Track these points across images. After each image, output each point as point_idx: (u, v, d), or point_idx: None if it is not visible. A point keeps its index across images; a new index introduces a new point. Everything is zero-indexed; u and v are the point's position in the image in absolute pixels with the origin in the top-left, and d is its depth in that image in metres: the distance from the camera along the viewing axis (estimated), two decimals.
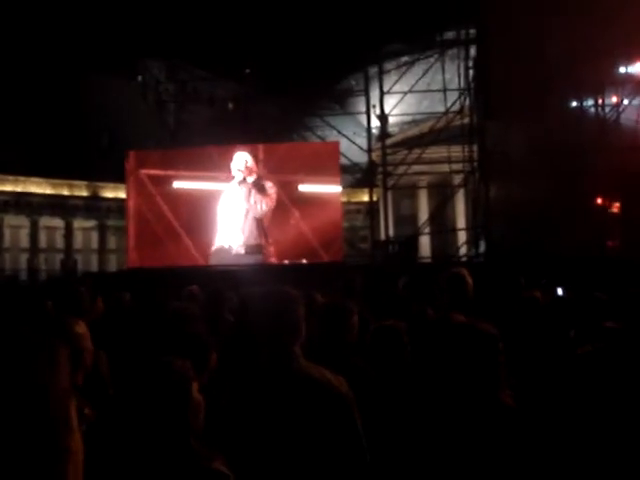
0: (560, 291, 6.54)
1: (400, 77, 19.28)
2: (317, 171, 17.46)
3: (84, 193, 21.28)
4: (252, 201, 16.87)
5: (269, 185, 17.00)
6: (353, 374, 2.58)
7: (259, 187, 16.89)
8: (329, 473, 2.17)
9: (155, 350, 2.59)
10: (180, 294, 5.33)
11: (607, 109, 16.61)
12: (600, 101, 16.75)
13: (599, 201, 15.71)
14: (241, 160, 17.09)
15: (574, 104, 16.90)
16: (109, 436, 1.94)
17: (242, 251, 16.57)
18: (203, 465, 1.83)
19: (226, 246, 16.86)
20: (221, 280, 7.56)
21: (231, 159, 17.32)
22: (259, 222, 16.96)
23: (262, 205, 16.82)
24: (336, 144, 18.49)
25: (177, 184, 17.45)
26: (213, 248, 16.96)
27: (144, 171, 17.69)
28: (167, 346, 2.70)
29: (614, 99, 16.70)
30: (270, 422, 2.17)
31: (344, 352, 3.01)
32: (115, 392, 2.95)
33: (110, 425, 2.05)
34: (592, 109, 16.83)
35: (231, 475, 1.84)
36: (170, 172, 17.57)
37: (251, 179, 16.93)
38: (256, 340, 2.33)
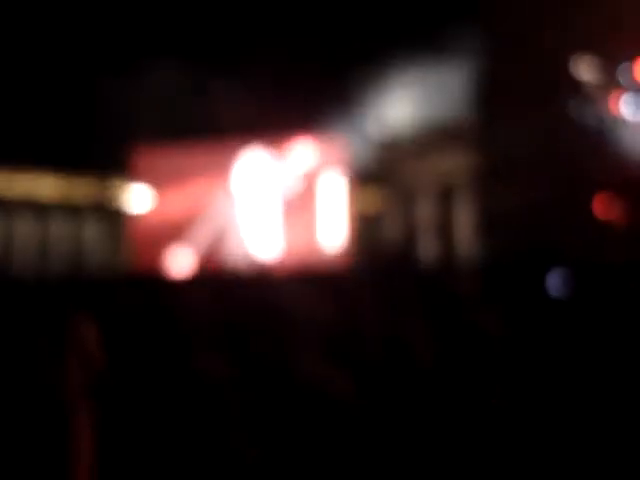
0: (556, 285, 6.38)
1: (403, 82, 19.30)
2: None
3: (95, 192, 20.98)
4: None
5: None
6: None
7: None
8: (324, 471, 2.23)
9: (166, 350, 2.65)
10: (178, 301, 5.36)
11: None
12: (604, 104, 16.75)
13: (601, 205, 15.71)
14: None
15: (578, 108, 16.91)
16: (123, 435, 1.98)
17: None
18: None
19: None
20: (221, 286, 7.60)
21: (236, 157, 17.41)
22: None
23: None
24: (337, 147, 18.54)
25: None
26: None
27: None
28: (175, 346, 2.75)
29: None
30: (268, 422, 2.22)
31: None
32: (122, 393, 3.00)
33: (122, 426, 2.09)
34: (595, 111, 16.83)
35: None
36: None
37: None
38: (250, 342, 2.40)
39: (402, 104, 19.64)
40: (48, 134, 18.15)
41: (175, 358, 2.15)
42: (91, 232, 20.64)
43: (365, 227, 20.55)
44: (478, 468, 2.23)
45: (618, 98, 16.44)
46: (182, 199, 17.50)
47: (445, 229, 20.37)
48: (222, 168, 17.64)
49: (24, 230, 19.64)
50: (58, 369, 1.04)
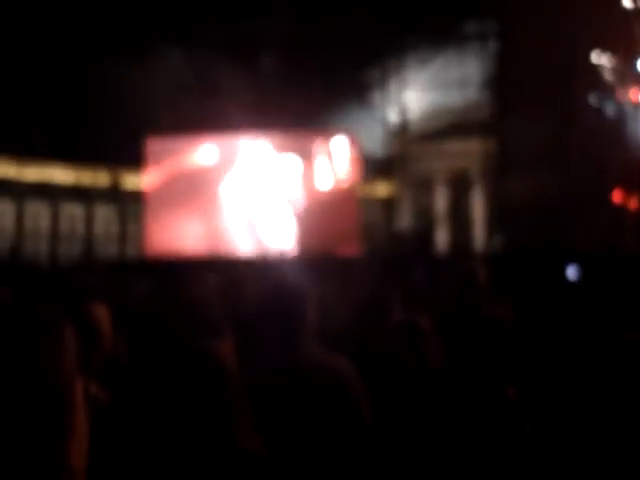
0: (571, 272, 6.22)
1: (419, 70, 19.23)
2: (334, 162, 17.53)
3: (106, 180, 21.05)
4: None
5: None
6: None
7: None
8: (333, 463, 2.20)
9: (173, 335, 2.64)
10: (197, 283, 5.36)
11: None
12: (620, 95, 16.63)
13: (617, 196, 15.63)
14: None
15: (593, 98, 16.80)
16: (129, 421, 1.97)
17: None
18: (241, 447, 1.85)
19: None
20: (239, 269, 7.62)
21: (246, 146, 17.51)
22: None
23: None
24: (353, 137, 18.51)
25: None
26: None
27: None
28: (183, 330, 2.74)
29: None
30: (274, 412, 2.19)
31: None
32: (136, 378, 2.99)
33: (130, 411, 2.08)
34: (612, 103, 16.72)
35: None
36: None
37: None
38: (258, 330, 2.37)
39: (418, 92, 19.57)
40: (61, 124, 18.22)
41: (185, 342, 2.14)
42: (102, 218, 20.70)
43: (379, 214, 20.56)
44: (491, 457, 2.21)
45: (638, 90, 16.31)
46: (193, 187, 17.54)
47: (459, 217, 20.32)
48: (232, 157, 17.65)
49: (37, 216, 19.72)
50: (60, 348, 1.01)
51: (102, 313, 2.62)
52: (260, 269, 9.53)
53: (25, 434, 1.01)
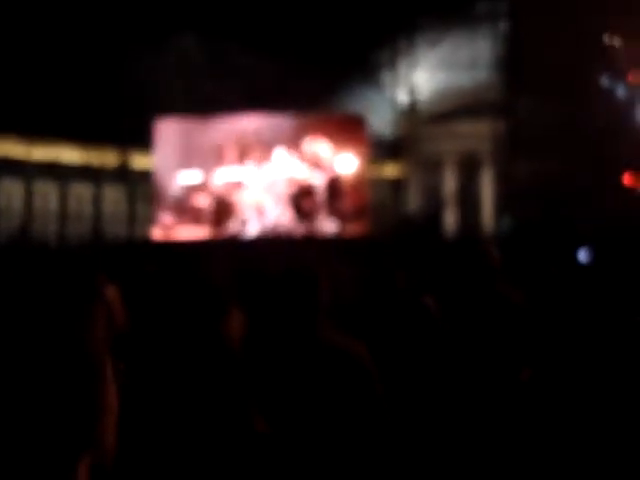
0: (582, 255, 6.19)
1: (429, 50, 19.13)
2: (342, 144, 17.46)
3: (114, 160, 21.06)
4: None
5: None
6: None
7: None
8: (347, 438, 2.21)
9: (181, 314, 2.64)
10: (206, 262, 5.38)
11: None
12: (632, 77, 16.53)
13: (627, 179, 15.57)
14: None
15: (605, 80, 16.70)
16: (144, 396, 1.98)
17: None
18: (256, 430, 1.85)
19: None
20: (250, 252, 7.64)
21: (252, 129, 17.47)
22: None
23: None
24: (362, 117, 18.46)
25: None
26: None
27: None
28: (191, 310, 2.74)
29: None
30: (287, 393, 2.19)
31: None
32: (144, 354, 2.99)
33: (146, 387, 2.08)
34: (624, 85, 16.63)
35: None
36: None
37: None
38: (271, 310, 2.37)
39: (428, 73, 19.48)
40: (70, 104, 18.19)
41: (193, 320, 2.14)
42: (111, 198, 20.74)
43: (388, 195, 20.53)
44: (502, 439, 2.21)
45: None
46: (200, 168, 17.58)
47: (468, 198, 20.29)
48: (240, 139, 17.62)
49: (46, 196, 19.77)
50: (85, 325, 1.03)
51: (113, 293, 2.64)
52: (270, 249, 9.56)
53: (58, 410, 1.02)
